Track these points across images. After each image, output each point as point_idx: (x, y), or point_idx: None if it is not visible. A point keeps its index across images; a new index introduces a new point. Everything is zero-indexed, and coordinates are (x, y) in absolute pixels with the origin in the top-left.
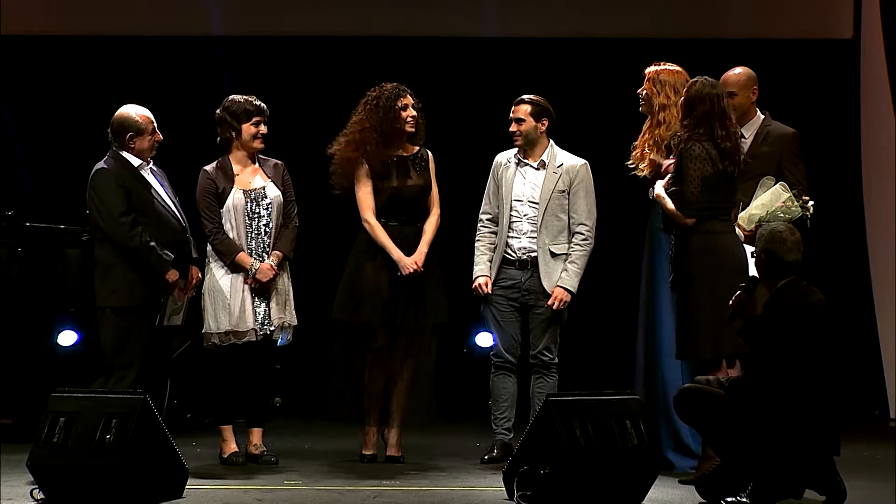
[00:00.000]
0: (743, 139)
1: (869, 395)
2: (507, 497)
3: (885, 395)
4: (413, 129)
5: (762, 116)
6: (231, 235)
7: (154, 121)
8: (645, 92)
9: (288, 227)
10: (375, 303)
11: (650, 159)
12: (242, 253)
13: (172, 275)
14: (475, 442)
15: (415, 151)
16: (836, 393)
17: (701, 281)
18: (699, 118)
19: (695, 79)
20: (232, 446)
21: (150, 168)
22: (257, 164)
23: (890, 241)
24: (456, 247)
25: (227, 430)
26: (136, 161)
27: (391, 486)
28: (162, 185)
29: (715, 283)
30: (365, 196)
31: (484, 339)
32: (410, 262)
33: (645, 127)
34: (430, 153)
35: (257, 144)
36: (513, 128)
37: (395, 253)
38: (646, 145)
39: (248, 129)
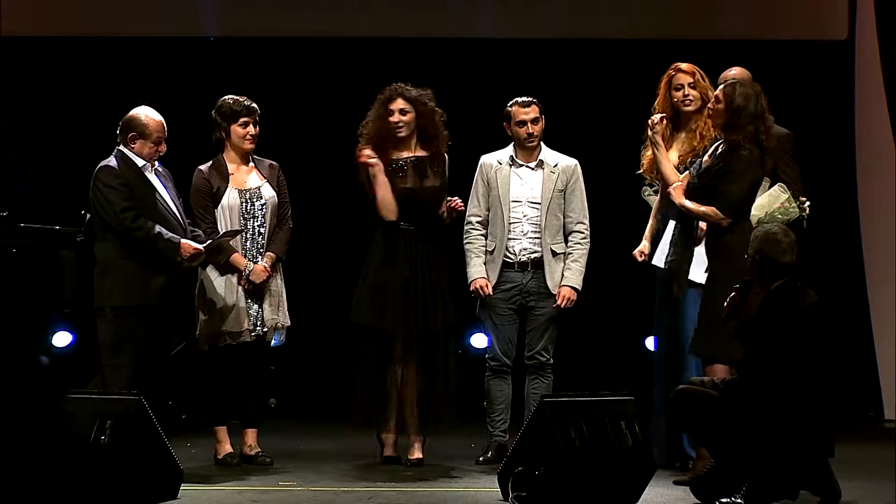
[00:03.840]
0: None
1: (863, 396)
2: (501, 498)
3: (879, 397)
4: (403, 133)
5: None
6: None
7: (164, 131)
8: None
9: (282, 229)
10: (397, 310)
11: (647, 157)
12: (236, 254)
13: (187, 247)
14: (470, 443)
15: (433, 152)
16: (830, 394)
17: (732, 282)
18: (748, 119)
19: (733, 81)
20: (227, 447)
21: (156, 169)
22: (252, 165)
23: (885, 242)
24: (451, 248)
25: (222, 432)
26: (140, 162)
27: (386, 487)
28: (166, 188)
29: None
30: (384, 193)
31: (478, 341)
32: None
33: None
34: (446, 155)
35: (247, 145)
36: (531, 129)
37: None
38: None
39: (236, 129)
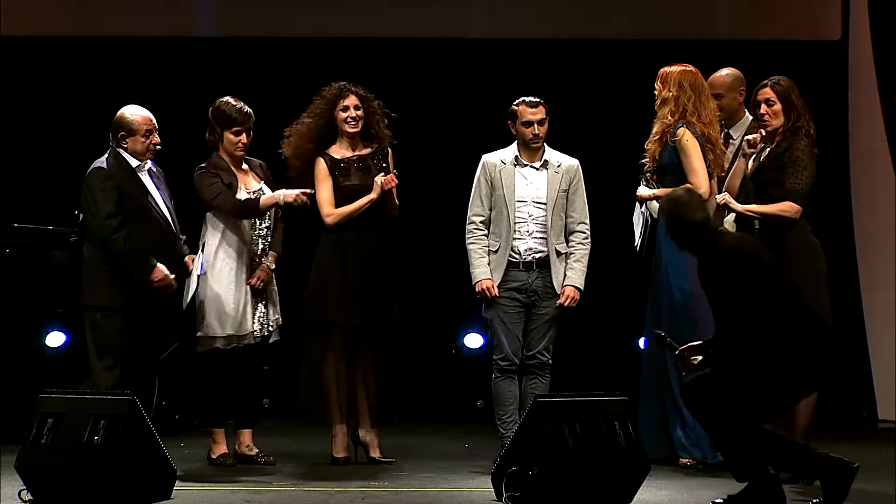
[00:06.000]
0: (731, 141)
1: (857, 396)
2: (495, 498)
3: (873, 397)
4: (355, 130)
5: (751, 117)
6: (237, 238)
7: (152, 123)
8: (655, 91)
9: (277, 227)
10: (341, 302)
11: (650, 152)
12: (264, 197)
13: (157, 273)
14: (464, 443)
15: (374, 149)
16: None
17: (815, 278)
18: (799, 113)
19: (777, 80)
20: (222, 448)
21: (149, 169)
22: (247, 166)
23: (879, 242)
24: (446, 247)
25: (220, 433)
26: (134, 162)
27: (380, 488)
28: (158, 188)
29: (818, 280)
30: (326, 193)
31: (473, 340)
32: (379, 181)
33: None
34: (390, 150)
35: (238, 153)
36: (536, 130)
37: (363, 200)
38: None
39: (228, 136)
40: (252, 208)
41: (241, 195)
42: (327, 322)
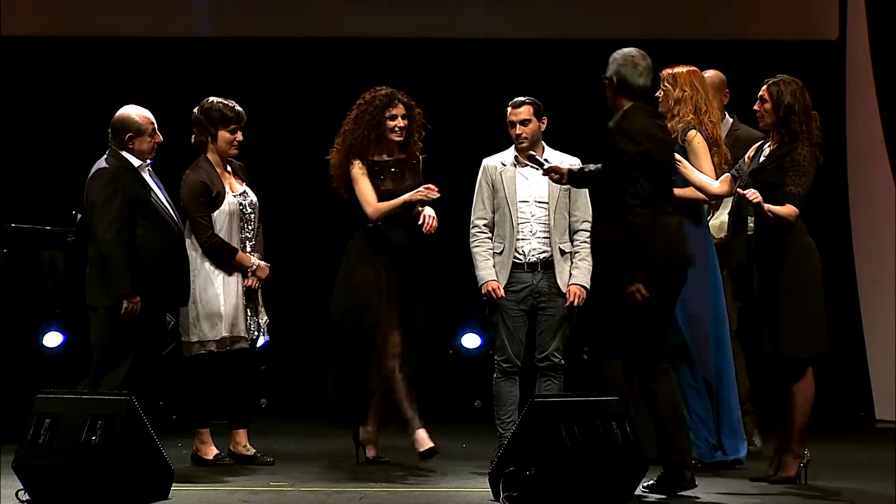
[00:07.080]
0: None
1: (855, 396)
2: (492, 498)
3: (870, 397)
4: (401, 139)
5: (731, 120)
6: (227, 240)
7: (154, 122)
8: (661, 92)
9: (258, 228)
10: (378, 306)
11: None
12: (241, 253)
13: (132, 297)
14: (461, 443)
15: (409, 153)
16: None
17: (811, 278)
18: (801, 116)
19: (777, 79)
20: (212, 448)
21: (148, 169)
22: (230, 168)
23: (875, 242)
24: (446, 250)
25: (206, 433)
26: (136, 162)
27: (377, 488)
28: (159, 188)
29: (815, 281)
30: (366, 187)
31: (470, 341)
32: (423, 189)
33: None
34: (420, 156)
35: (232, 151)
36: (519, 130)
37: (406, 196)
38: None
39: (224, 135)
40: (225, 255)
41: (230, 199)
42: (369, 324)
